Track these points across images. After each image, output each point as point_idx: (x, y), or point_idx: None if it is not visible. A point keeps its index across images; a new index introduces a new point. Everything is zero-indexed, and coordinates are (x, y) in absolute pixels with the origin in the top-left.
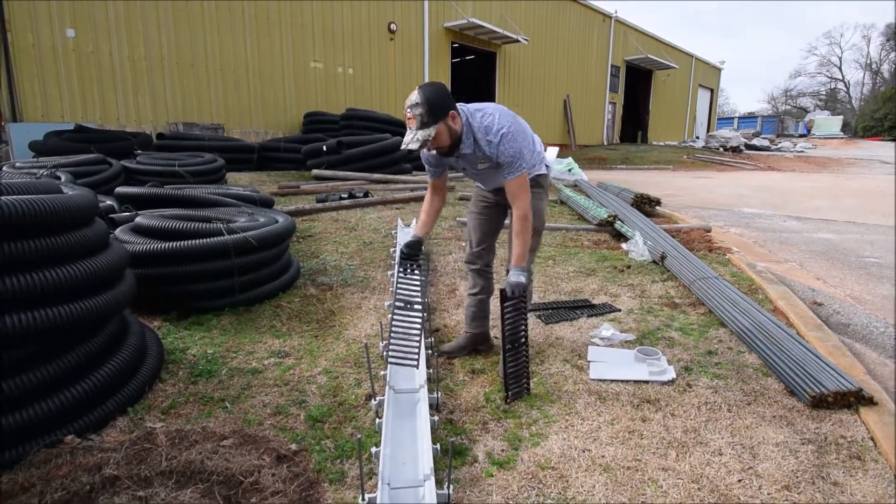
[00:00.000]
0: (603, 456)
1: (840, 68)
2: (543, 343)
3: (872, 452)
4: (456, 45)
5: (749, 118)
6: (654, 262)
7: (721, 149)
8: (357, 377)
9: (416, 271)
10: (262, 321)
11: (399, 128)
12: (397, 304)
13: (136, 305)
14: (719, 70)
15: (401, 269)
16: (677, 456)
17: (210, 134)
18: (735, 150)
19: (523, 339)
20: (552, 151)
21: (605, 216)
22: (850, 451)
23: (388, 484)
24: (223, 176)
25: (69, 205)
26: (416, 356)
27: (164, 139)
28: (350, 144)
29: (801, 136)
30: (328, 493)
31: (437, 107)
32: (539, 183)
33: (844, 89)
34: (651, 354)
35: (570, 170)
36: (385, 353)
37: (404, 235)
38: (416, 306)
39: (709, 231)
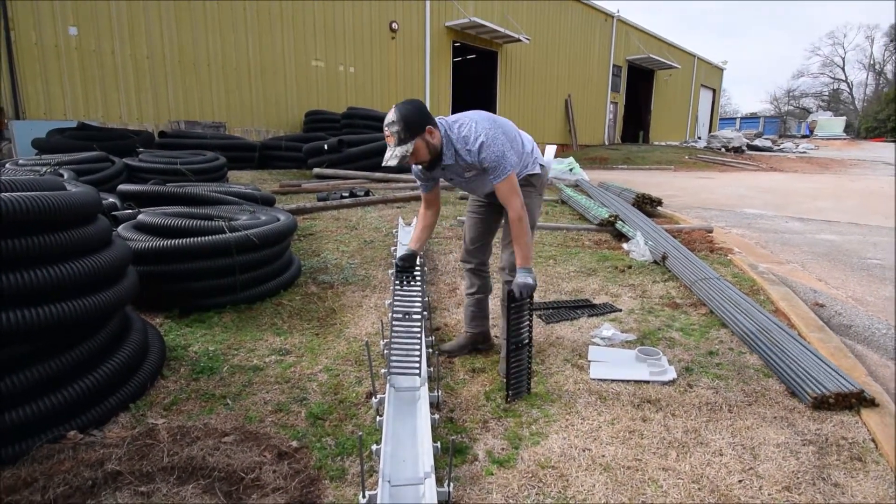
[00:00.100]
0: (603, 455)
1: (843, 69)
2: (544, 343)
3: (874, 454)
4: (457, 44)
5: (751, 119)
6: (655, 262)
7: (723, 149)
8: (358, 375)
9: (413, 283)
10: (264, 319)
11: None
12: (395, 315)
13: (139, 302)
14: (722, 70)
15: (397, 282)
16: (678, 456)
17: (212, 132)
18: (737, 150)
19: (527, 340)
20: (550, 150)
21: (607, 216)
22: (852, 452)
23: (389, 481)
24: (225, 174)
25: (72, 202)
26: (418, 366)
27: (166, 137)
28: (351, 143)
29: (804, 136)
30: (329, 490)
31: (412, 123)
32: (531, 182)
33: (847, 90)
34: (652, 354)
35: (571, 169)
36: (385, 353)
37: (405, 234)
38: (414, 316)
39: (710, 231)
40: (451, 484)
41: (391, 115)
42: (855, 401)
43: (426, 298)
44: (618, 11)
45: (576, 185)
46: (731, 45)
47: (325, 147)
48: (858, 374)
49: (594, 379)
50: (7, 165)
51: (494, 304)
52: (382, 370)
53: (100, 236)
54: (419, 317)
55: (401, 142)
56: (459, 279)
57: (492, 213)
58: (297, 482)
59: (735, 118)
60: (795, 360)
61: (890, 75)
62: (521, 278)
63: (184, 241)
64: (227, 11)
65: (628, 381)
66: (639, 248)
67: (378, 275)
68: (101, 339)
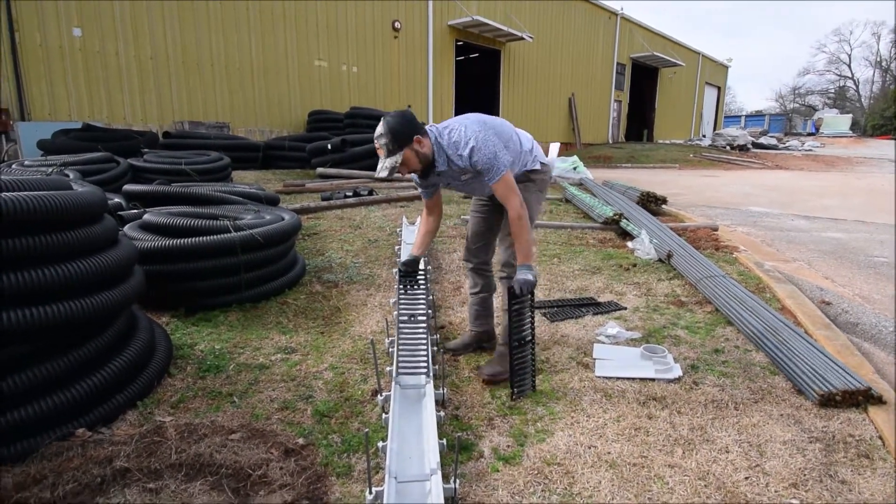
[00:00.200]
0: (609, 452)
1: (849, 66)
2: (549, 341)
3: (881, 451)
4: (460, 42)
5: (756, 116)
6: (660, 260)
7: (728, 147)
8: (363, 373)
9: (417, 287)
10: (269, 318)
11: None
12: (401, 318)
13: (145, 301)
14: (726, 68)
15: (401, 287)
16: (683, 453)
17: (215, 133)
18: (742, 148)
19: (530, 337)
20: (554, 148)
21: (611, 214)
22: (859, 449)
23: (395, 478)
24: (229, 174)
25: (79, 201)
26: (426, 368)
27: (171, 138)
28: (354, 143)
29: (810, 134)
30: (335, 487)
31: (400, 134)
32: (530, 178)
33: (854, 87)
34: (657, 352)
35: (575, 168)
36: (390, 351)
37: (409, 233)
38: (420, 318)
39: (716, 229)
40: (458, 480)
41: (380, 128)
42: (862, 398)
43: (430, 296)
44: (621, 9)
45: (580, 184)
46: (735, 44)
47: (329, 147)
48: (866, 371)
49: (599, 377)
50: (13, 166)
51: (498, 302)
52: (388, 368)
53: (106, 236)
54: (424, 318)
55: (390, 153)
56: (463, 278)
57: (494, 212)
58: (304, 479)
59: (740, 116)
60: (802, 357)
61: None
62: (521, 275)
63: (189, 240)
64: (230, 11)
65: (634, 379)
66: (644, 246)
67: (382, 273)
68: (109, 338)
